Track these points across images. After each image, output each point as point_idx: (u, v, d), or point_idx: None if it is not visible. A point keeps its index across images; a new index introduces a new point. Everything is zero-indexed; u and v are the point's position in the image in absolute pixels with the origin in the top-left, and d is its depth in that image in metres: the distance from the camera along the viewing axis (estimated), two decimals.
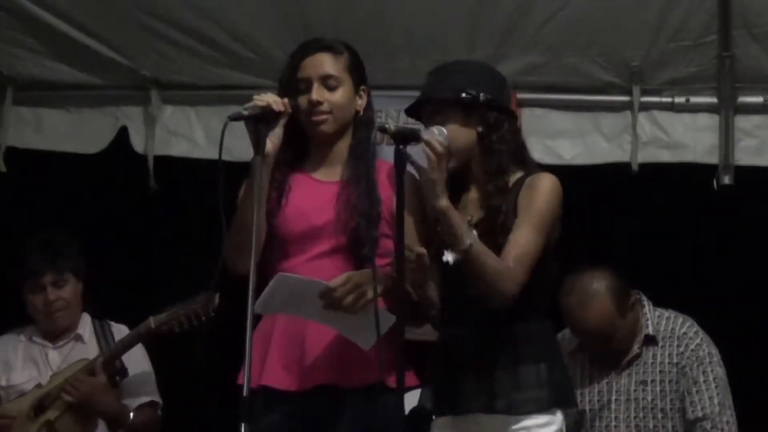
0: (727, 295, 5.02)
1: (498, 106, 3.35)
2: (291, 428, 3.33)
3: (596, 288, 4.11)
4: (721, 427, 4.14)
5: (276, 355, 3.33)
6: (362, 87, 3.47)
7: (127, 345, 4.33)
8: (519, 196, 3.27)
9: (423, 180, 3.18)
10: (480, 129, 3.32)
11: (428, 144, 3.16)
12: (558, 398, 3.27)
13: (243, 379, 2.95)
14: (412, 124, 4.69)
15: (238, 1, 4.59)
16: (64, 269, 4.45)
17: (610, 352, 4.21)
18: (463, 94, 3.30)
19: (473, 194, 3.36)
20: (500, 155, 3.31)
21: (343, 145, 3.45)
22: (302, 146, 3.47)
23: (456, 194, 3.33)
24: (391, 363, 3.16)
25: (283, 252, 3.39)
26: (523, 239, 3.21)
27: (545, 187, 3.27)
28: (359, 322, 3.25)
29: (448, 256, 3.21)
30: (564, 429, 3.30)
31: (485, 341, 3.26)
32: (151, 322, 4.23)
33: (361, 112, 3.47)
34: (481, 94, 3.31)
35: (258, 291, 3.08)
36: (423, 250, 3.18)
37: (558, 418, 3.27)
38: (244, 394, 2.92)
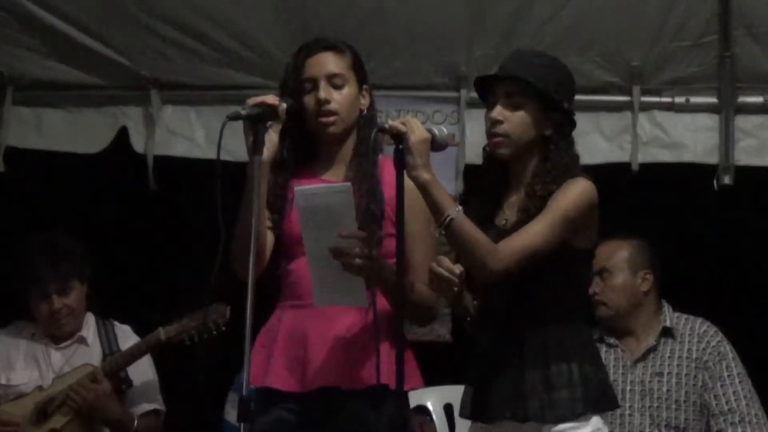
0: (727, 294, 5.02)
1: (571, 118, 3.32)
2: (293, 429, 3.33)
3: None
4: (749, 420, 4.20)
5: (280, 356, 3.33)
6: (364, 86, 3.47)
7: (135, 355, 4.29)
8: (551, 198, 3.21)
9: (408, 147, 3.09)
10: (549, 132, 3.26)
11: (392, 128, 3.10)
12: (593, 400, 3.18)
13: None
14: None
15: (238, 1, 4.59)
16: (68, 276, 4.37)
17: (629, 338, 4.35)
18: (555, 95, 3.24)
19: (514, 197, 3.30)
20: (558, 163, 3.24)
21: (349, 145, 3.44)
22: (307, 149, 3.46)
23: (496, 196, 3.32)
24: (392, 363, 3.15)
25: (291, 253, 3.38)
26: (530, 230, 3.15)
27: (575, 189, 3.21)
28: (344, 284, 3.23)
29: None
30: None
31: (516, 344, 3.22)
32: (161, 333, 4.19)
33: (365, 111, 3.46)
34: (566, 103, 3.27)
35: (259, 293, 3.07)
36: (461, 268, 3.14)
37: (591, 422, 3.17)
38: (243, 394, 2.93)
